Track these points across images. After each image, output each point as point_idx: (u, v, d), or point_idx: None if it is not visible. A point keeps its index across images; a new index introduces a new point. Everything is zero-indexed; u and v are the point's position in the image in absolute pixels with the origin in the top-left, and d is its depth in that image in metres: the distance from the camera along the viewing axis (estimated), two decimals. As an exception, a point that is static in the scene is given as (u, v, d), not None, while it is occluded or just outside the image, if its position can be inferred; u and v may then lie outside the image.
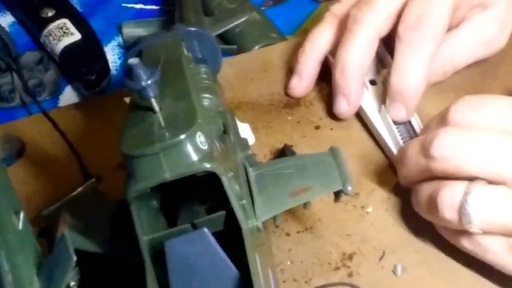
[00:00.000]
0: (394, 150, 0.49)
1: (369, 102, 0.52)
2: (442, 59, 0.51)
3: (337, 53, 0.51)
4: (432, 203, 0.40)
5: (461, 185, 0.39)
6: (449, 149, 0.40)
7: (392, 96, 0.49)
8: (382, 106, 0.50)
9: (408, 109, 0.49)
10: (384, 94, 0.51)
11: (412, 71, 0.48)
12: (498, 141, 0.39)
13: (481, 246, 0.40)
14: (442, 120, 0.43)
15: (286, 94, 0.55)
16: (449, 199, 0.39)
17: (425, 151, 0.41)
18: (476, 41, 0.52)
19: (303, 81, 0.54)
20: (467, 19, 0.52)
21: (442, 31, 0.48)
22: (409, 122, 0.50)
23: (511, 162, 0.38)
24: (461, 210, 0.38)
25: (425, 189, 0.42)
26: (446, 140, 0.40)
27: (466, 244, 0.41)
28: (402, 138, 0.49)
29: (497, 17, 0.52)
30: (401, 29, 0.48)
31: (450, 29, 0.52)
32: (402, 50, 0.48)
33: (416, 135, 0.49)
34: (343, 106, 0.51)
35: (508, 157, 0.39)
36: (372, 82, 0.53)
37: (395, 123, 0.50)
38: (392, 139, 0.50)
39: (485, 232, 0.39)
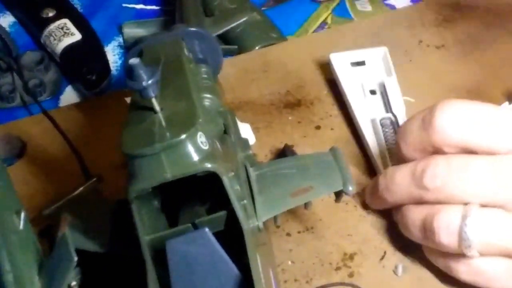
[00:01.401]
0: (379, 161, 0.49)
1: (363, 111, 0.52)
2: None
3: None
4: (428, 227, 0.40)
5: (457, 209, 0.39)
6: (441, 178, 0.39)
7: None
8: (376, 116, 0.50)
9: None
10: (380, 104, 0.51)
11: None
12: (487, 166, 0.38)
13: (483, 275, 0.39)
14: (427, 125, 0.40)
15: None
16: (446, 224, 0.39)
17: (417, 181, 0.40)
18: None
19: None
20: None
21: None
22: (397, 124, 0.50)
23: (503, 185, 0.38)
24: (460, 234, 0.38)
25: (417, 213, 0.41)
26: (437, 170, 0.39)
27: (465, 275, 0.40)
28: (387, 145, 0.49)
29: None
30: None
31: None
32: None
33: None
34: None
35: (498, 180, 0.38)
36: (372, 92, 0.53)
37: (384, 125, 0.50)
38: (379, 148, 0.49)
39: (483, 255, 0.38)
